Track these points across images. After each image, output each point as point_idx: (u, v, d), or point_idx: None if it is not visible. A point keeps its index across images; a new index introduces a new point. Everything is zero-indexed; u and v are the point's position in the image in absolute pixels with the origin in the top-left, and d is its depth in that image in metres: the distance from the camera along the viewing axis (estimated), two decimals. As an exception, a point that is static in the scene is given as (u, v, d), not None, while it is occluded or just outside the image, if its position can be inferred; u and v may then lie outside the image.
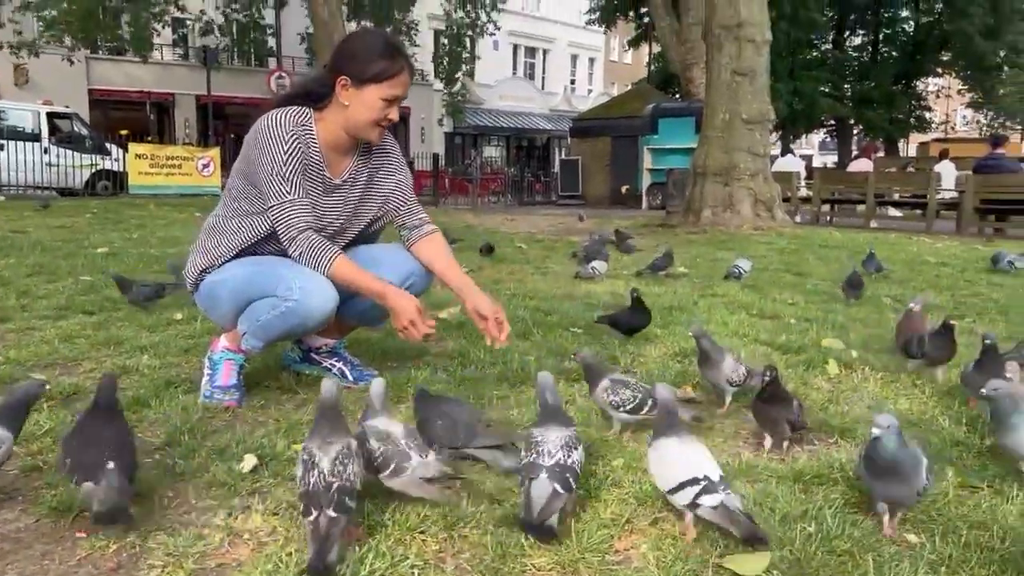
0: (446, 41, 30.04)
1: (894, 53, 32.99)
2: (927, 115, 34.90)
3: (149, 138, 22.02)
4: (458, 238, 7.08)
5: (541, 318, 3.95)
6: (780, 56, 23.94)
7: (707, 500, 1.60)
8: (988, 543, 1.66)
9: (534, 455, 1.72)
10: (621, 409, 2.23)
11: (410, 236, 2.76)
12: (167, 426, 2.29)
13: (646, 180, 19.61)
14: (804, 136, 41.86)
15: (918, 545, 1.66)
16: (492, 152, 38.65)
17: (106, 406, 1.80)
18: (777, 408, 2.17)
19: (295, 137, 2.46)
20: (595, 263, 5.39)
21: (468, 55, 30.39)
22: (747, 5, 10.13)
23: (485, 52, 34.38)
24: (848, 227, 11.29)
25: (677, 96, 23.67)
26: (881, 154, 25.35)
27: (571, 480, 1.69)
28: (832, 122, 34.25)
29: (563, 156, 27.31)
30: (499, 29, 29.73)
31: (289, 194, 2.44)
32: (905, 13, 33.03)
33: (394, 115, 2.54)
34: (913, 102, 33.43)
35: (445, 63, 29.60)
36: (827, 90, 30.51)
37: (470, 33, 28.72)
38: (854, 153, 23.15)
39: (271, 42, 27.79)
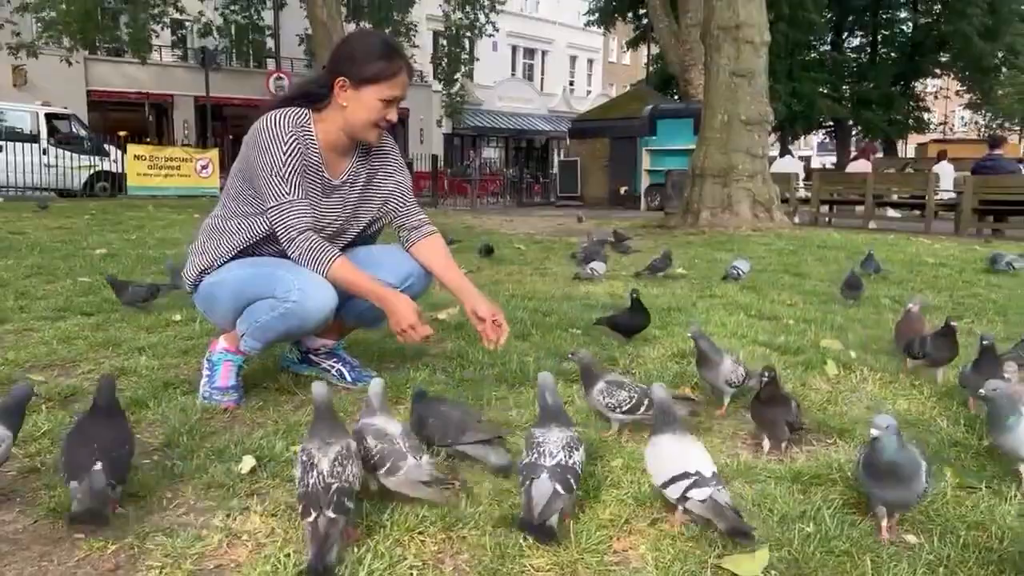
0: (445, 42, 30.02)
1: (892, 54, 33.02)
2: (925, 116, 34.92)
3: (148, 139, 22.01)
4: (456, 239, 7.09)
5: (540, 319, 3.96)
6: (779, 57, 23.93)
7: (696, 494, 1.63)
8: (986, 543, 1.66)
9: (535, 455, 1.73)
10: (618, 411, 2.23)
11: (409, 237, 2.76)
12: (165, 427, 2.29)
13: (644, 181, 19.62)
14: (803, 137, 41.88)
15: (916, 545, 1.66)
16: (491, 153, 38.67)
17: (106, 407, 1.80)
18: (775, 410, 2.17)
19: (294, 138, 2.46)
20: (594, 264, 5.39)
21: (467, 56, 30.35)
22: (746, 6, 10.14)
23: (484, 53, 34.37)
24: (847, 228, 11.29)
25: (676, 97, 23.69)
26: (880, 155, 25.38)
27: (572, 481, 1.69)
28: (831, 123, 34.27)
29: (562, 157, 27.30)
30: (498, 30, 29.72)
31: (288, 195, 2.44)
32: (903, 14, 33.07)
33: (392, 116, 2.54)
34: (911, 103, 33.46)
35: (444, 64, 29.58)
36: (826, 91, 30.54)
37: (469, 34, 28.69)
38: (853, 154, 23.13)
39: (270, 43, 27.75)
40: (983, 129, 41.06)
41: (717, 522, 1.61)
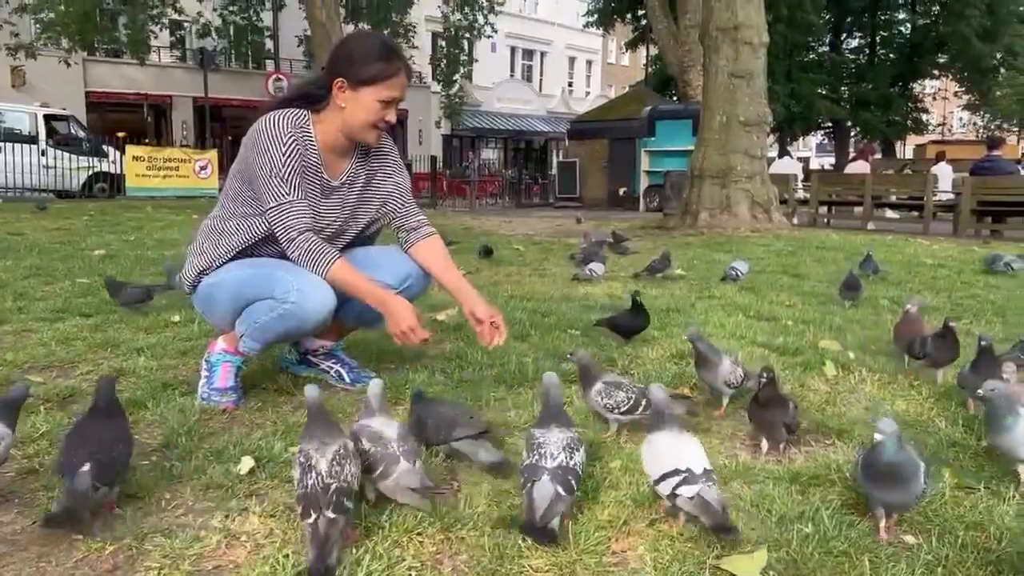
0: (444, 43, 30.06)
1: (891, 55, 33.05)
2: (924, 117, 34.96)
3: (146, 140, 22.00)
4: (454, 240, 7.09)
5: (538, 320, 3.96)
6: (777, 58, 23.95)
7: (684, 491, 1.65)
8: (984, 544, 1.66)
9: (536, 456, 1.73)
10: (616, 411, 2.23)
11: (408, 238, 2.76)
12: (164, 428, 2.29)
13: (643, 182, 19.63)
14: (801, 138, 41.90)
15: (915, 546, 1.66)
16: (490, 154, 38.68)
17: (104, 407, 1.80)
18: (773, 411, 2.17)
19: (293, 139, 2.46)
20: (592, 265, 5.39)
21: (466, 57, 30.37)
22: (744, 8, 10.15)
23: (483, 54, 34.39)
24: (845, 229, 11.30)
25: (674, 98, 23.70)
26: (878, 156, 25.43)
27: (573, 482, 1.69)
28: (829, 124, 34.32)
29: (561, 158, 27.33)
30: (496, 32, 29.73)
31: (288, 195, 2.43)
32: (902, 15, 33.10)
33: (391, 117, 2.54)
34: (910, 104, 33.49)
35: (443, 65, 29.60)
36: (824, 92, 30.57)
37: (468, 35, 28.71)
38: (851, 155, 23.15)
39: (269, 44, 27.77)
40: (981, 130, 41.10)
41: (703, 519, 1.63)
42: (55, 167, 16.07)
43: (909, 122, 33.36)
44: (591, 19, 33.92)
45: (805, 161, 27.74)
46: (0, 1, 20.28)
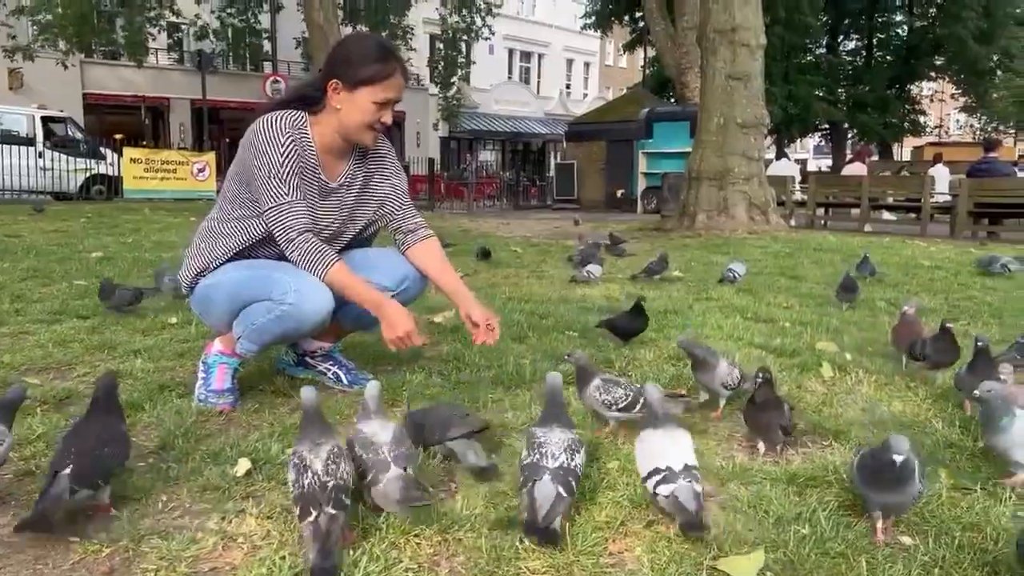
0: (441, 46, 30.08)
1: (888, 57, 33.13)
2: (921, 119, 35.03)
3: (144, 142, 21.98)
4: (451, 242, 7.09)
5: (536, 321, 3.96)
6: (775, 60, 24.01)
7: (662, 489, 1.68)
8: (981, 545, 1.66)
9: (537, 456, 1.73)
10: (614, 408, 2.24)
11: (405, 240, 2.76)
12: (161, 430, 2.29)
13: (641, 184, 19.66)
14: (798, 140, 41.94)
15: (912, 547, 1.66)
16: (487, 156, 38.66)
17: (100, 407, 1.81)
18: (769, 413, 2.17)
19: (291, 140, 2.46)
20: (590, 267, 5.39)
21: (463, 59, 30.42)
22: (742, 9, 10.16)
23: (480, 56, 34.41)
24: (842, 231, 11.31)
25: (672, 100, 23.73)
26: (875, 158, 25.50)
27: (573, 483, 1.70)
28: (826, 126, 34.37)
29: (558, 160, 27.34)
30: (494, 34, 29.75)
31: (287, 196, 2.43)
32: (899, 18, 33.18)
33: (387, 118, 2.54)
34: (907, 106, 33.56)
35: (440, 67, 29.62)
36: (821, 94, 30.62)
37: (465, 37, 28.73)
38: (848, 157, 23.18)
39: (266, 46, 27.75)
40: (978, 132, 41.21)
41: (677, 516, 1.66)
42: (52, 169, 16.04)
43: (906, 124, 33.43)
44: (589, 21, 33.99)
45: (802, 163, 27.74)
46: (-2, 3, 20.29)
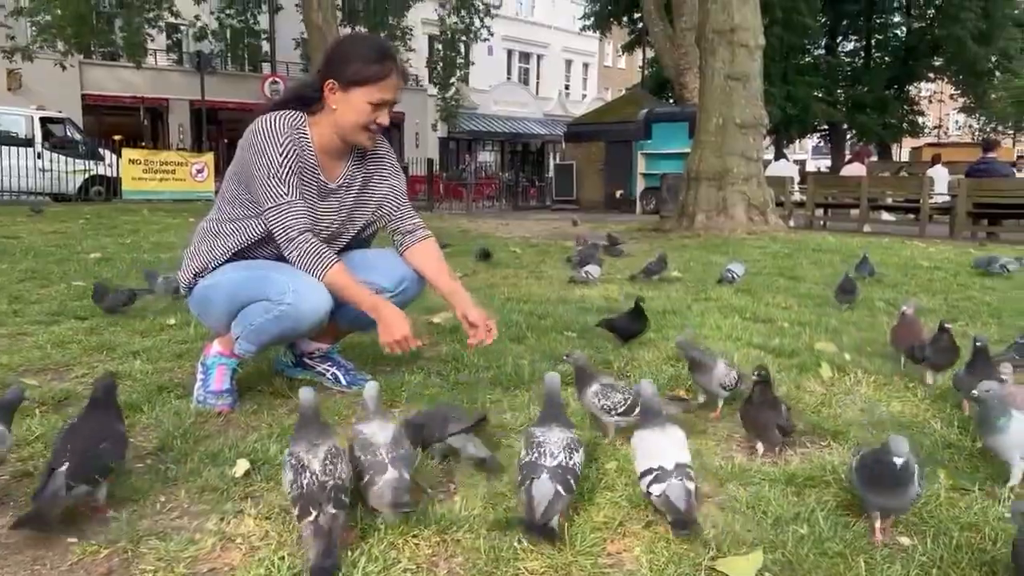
0: (440, 46, 30.09)
1: (886, 58, 33.13)
2: (920, 120, 35.03)
3: (143, 143, 22.00)
4: (450, 243, 7.09)
5: (535, 322, 3.96)
6: (773, 61, 23.99)
7: (654, 488, 1.70)
8: (979, 545, 1.67)
9: (535, 454, 1.73)
10: (612, 413, 2.24)
11: (403, 241, 2.76)
12: (159, 431, 2.28)
13: (640, 185, 19.66)
14: (797, 141, 41.96)
15: (910, 547, 1.66)
16: (486, 157, 38.68)
17: (97, 405, 1.82)
18: (767, 414, 2.17)
19: (290, 140, 2.46)
20: (589, 267, 5.39)
21: (462, 60, 30.44)
22: (740, 10, 10.17)
23: (479, 57, 34.43)
24: (841, 231, 11.32)
25: (671, 101, 23.73)
26: (874, 158, 25.50)
27: (572, 482, 1.70)
28: (825, 127, 34.37)
29: (557, 161, 27.34)
30: (493, 35, 29.77)
31: (286, 196, 2.43)
32: (897, 18, 33.19)
33: (383, 119, 2.53)
34: (906, 107, 33.57)
35: (439, 68, 29.63)
36: (820, 95, 30.63)
37: (464, 38, 28.76)
38: (847, 157, 23.20)
39: (265, 47, 27.74)
40: (977, 133, 41.23)
41: (667, 515, 1.67)
42: (51, 170, 16.03)
43: (905, 125, 33.44)
44: (588, 22, 33.97)
45: (801, 163, 27.77)
46: (-4, 4, 20.29)
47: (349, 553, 1.57)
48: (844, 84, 33.15)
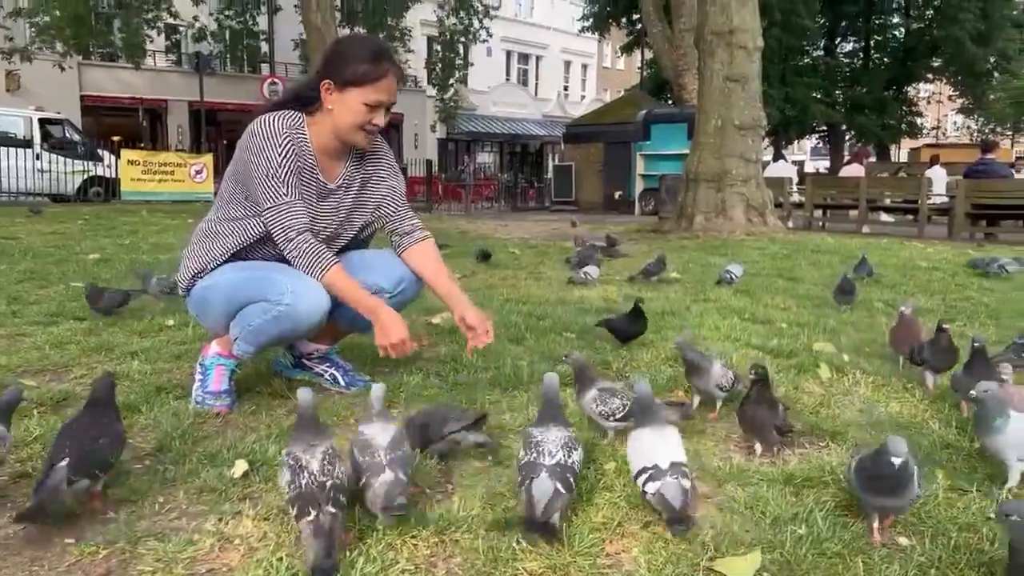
0: (439, 48, 30.10)
1: (885, 59, 33.13)
2: (918, 121, 35.04)
3: (141, 144, 21.98)
4: (447, 244, 7.09)
5: (534, 323, 3.96)
6: (772, 62, 24.01)
7: (649, 487, 1.71)
8: (977, 545, 1.67)
9: (534, 454, 1.73)
10: (611, 419, 2.24)
11: (401, 242, 2.75)
12: (158, 432, 2.28)
13: (639, 186, 19.66)
14: (796, 142, 41.99)
15: (908, 547, 1.67)
16: (485, 158, 38.70)
17: (95, 403, 1.82)
18: (764, 414, 2.17)
19: (288, 140, 2.46)
20: (588, 268, 5.40)
21: (461, 61, 30.45)
22: (739, 12, 10.17)
23: (478, 58, 34.47)
24: (840, 232, 11.32)
25: (670, 102, 23.73)
26: (873, 159, 25.49)
27: (571, 480, 1.71)
28: (824, 128, 34.38)
29: (556, 162, 27.34)
30: (492, 36, 29.79)
31: (285, 196, 2.43)
32: (896, 19, 33.19)
33: (379, 120, 2.53)
34: (904, 108, 33.57)
35: (438, 69, 29.65)
36: (819, 96, 30.64)
37: (463, 39, 28.77)
38: (846, 158, 23.23)
39: (264, 48, 27.78)
40: (975, 134, 41.28)
41: (663, 512, 1.68)
42: (50, 171, 16.03)
43: (903, 126, 33.44)
44: (586, 23, 33.97)
45: (800, 165, 27.81)
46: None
47: (347, 554, 1.57)
48: (843, 85, 33.16)
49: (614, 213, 18.71)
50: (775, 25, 24.38)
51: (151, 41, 23.18)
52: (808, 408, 2.64)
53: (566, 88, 44.22)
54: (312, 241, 2.45)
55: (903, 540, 1.70)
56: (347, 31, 22.78)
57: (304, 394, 1.75)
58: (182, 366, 3.02)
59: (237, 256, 2.56)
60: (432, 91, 30.72)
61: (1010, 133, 42.59)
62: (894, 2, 32.53)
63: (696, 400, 2.57)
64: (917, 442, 2.27)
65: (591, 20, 33.45)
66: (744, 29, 10.18)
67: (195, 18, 23.32)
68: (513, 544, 1.62)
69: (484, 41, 29.32)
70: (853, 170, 14.91)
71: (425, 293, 2.87)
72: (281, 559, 1.55)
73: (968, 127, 43.83)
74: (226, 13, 25.38)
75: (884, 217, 13.80)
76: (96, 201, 16.04)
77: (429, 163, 22.81)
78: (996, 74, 32.62)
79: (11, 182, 15.34)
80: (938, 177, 13.56)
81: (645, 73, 32.23)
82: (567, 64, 44.47)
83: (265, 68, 27.61)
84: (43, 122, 17.21)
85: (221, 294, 2.50)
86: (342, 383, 2.80)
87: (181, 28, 25.80)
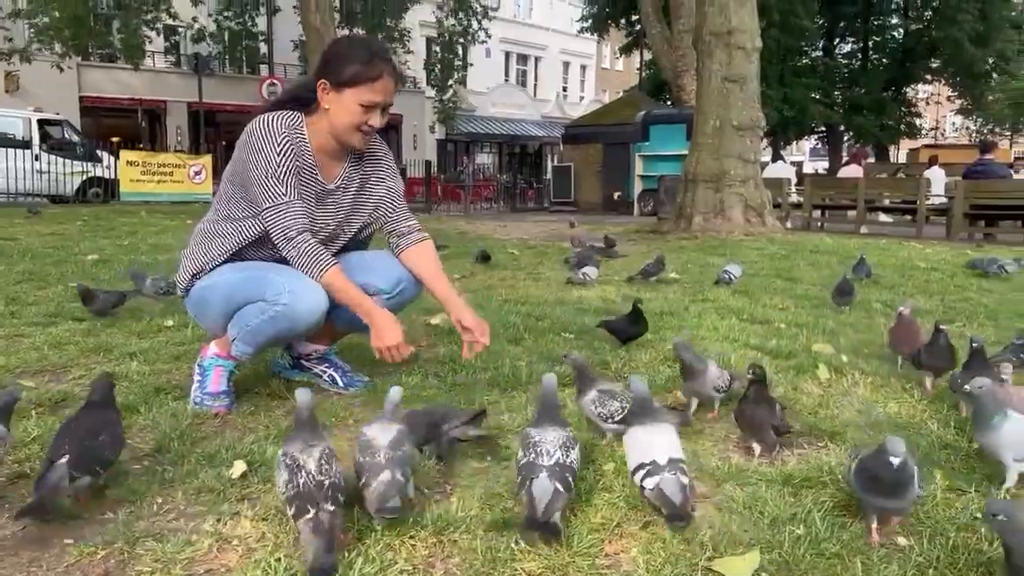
0: (438, 48, 30.10)
1: (884, 60, 33.16)
2: (917, 121, 35.06)
3: (140, 145, 21.98)
4: (445, 244, 7.09)
5: (533, 323, 3.96)
6: (770, 63, 24.02)
7: (647, 483, 1.71)
8: (976, 545, 1.67)
9: (532, 455, 1.73)
10: (609, 421, 2.24)
11: (399, 243, 2.75)
12: (156, 432, 2.28)
13: (637, 186, 19.66)
14: (795, 142, 42.00)
15: (906, 547, 1.67)
16: (484, 159, 38.72)
17: (94, 402, 1.83)
18: (761, 414, 2.17)
19: (287, 139, 2.46)
20: (586, 269, 5.40)
21: (460, 62, 30.45)
22: (737, 12, 10.18)
23: (477, 59, 34.48)
24: (839, 233, 11.33)
25: (668, 103, 23.74)
26: (871, 160, 25.52)
27: (570, 479, 1.71)
28: (823, 129, 34.39)
29: (555, 163, 27.33)
30: (491, 37, 29.78)
31: (284, 196, 2.43)
32: (895, 20, 33.22)
33: (375, 121, 2.52)
34: (903, 109, 33.57)
35: (437, 70, 29.65)
36: (817, 97, 30.64)
37: (462, 40, 28.77)
38: (844, 159, 23.24)
39: (263, 49, 27.78)
40: (974, 134, 41.29)
41: (662, 508, 1.68)
42: (49, 172, 16.03)
43: (902, 126, 33.46)
44: (585, 24, 33.98)
45: (798, 165, 27.82)
46: (-6, 7, 20.28)
47: (346, 554, 1.57)
48: (841, 86, 33.17)
49: (613, 214, 18.71)
50: (773, 26, 24.40)
51: (150, 42, 23.17)
52: (807, 409, 2.64)
53: (565, 89, 44.23)
54: (311, 241, 2.45)
55: (901, 540, 1.70)
56: (346, 32, 22.78)
57: (303, 395, 1.75)
58: (181, 367, 3.02)
59: (236, 256, 2.56)
60: (431, 92, 30.72)
61: (1008, 134, 42.59)
62: (893, 3, 32.56)
63: (694, 403, 2.57)
64: (915, 442, 2.27)
65: (590, 21, 33.45)
66: (742, 30, 10.19)
67: (194, 19, 23.33)
68: (511, 544, 1.62)
69: (483, 42, 29.31)
70: (852, 171, 14.92)
71: (424, 294, 2.87)
72: (279, 560, 1.55)
73: (967, 128, 43.85)
74: (225, 14, 25.38)
75: (883, 218, 13.81)
76: (95, 202, 16.02)
77: (428, 164, 22.80)
78: (995, 75, 32.64)
79: (10, 183, 15.34)
80: (937, 178, 13.57)
81: (644, 74, 32.23)
82: (566, 65, 44.49)
83: (264, 69, 27.63)
84: (42, 123, 17.20)
85: (219, 294, 2.50)
86: (340, 384, 2.80)
87: (180, 29, 25.81)
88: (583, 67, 45.70)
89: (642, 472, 1.73)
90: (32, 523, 1.71)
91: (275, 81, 23.71)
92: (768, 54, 16.73)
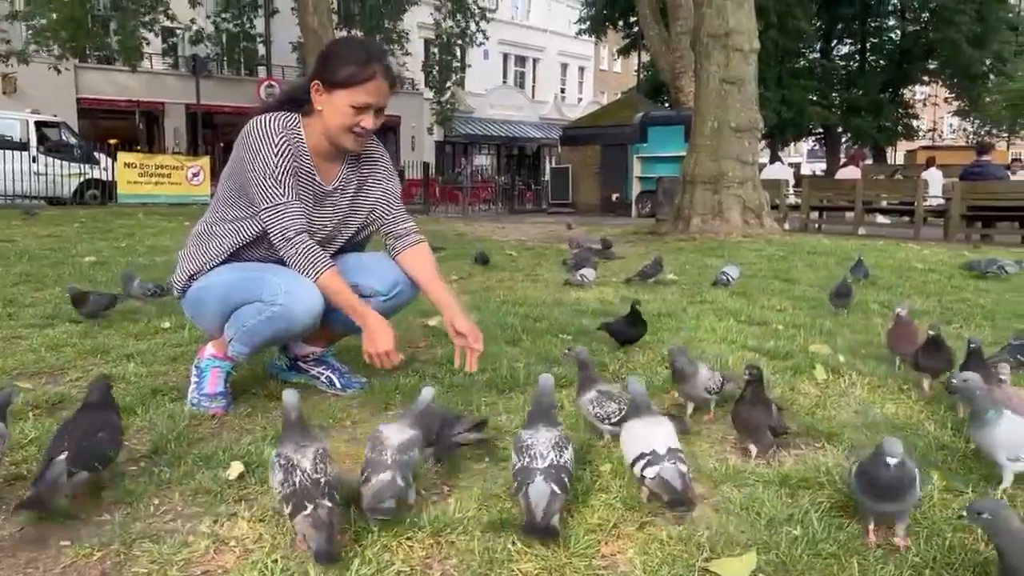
0: (436, 50, 30.12)
1: (881, 62, 33.23)
2: (914, 123, 35.13)
3: (138, 147, 21.95)
4: (444, 246, 7.09)
5: (530, 325, 3.96)
6: (768, 65, 24.07)
7: (648, 472, 1.74)
8: (972, 546, 1.67)
9: (526, 459, 1.73)
10: (607, 422, 2.24)
11: (395, 245, 2.75)
12: (153, 434, 2.28)
13: (636, 188, 19.67)
14: (792, 144, 42.06)
15: (903, 548, 1.66)
16: (482, 160, 38.73)
17: (94, 402, 1.84)
18: (758, 415, 2.17)
19: (284, 140, 2.45)
20: (584, 270, 5.40)
21: (458, 64, 30.45)
22: (735, 14, 10.19)
23: (475, 61, 34.48)
24: (836, 234, 11.34)
25: (666, 104, 23.77)
26: (869, 161, 25.52)
27: (566, 480, 1.71)
28: (820, 130, 34.45)
29: (553, 164, 27.36)
30: (489, 38, 29.81)
31: (283, 196, 2.43)
32: (892, 22, 33.29)
33: (367, 123, 2.51)
34: (900, 110, 33.66)
35: (435, 72, 29.66)
36: (815, 98, 30.71)
37: (460, 42, 28.79)
38: (842, 161, 23.25)
39: (261, 51, 27.78)
40: (971, 136, 41.36)
41: (663, 496, 1.71)
42: (46, 174, 16.01)
43: (900, 128, 33.54)
44: (583, 26, 34.02)
45: (796, 167, 27.86)
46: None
47: (343, 555, 1.57)
48: (839, 87, 33.23)
49: (611, 215, 18.73)
50: (771, 27, 24.45)
51: (148, 44, 23.17)
52: (804, 409, 2.64)
53: (563, 90, 44.27)
54: (309, 243, 2.44)
55: (898, 541, 1.70)
56: (344, 33, 22.79)
57: (289, 396, 1.75)
58: (178, 368, 3.02)
59: (233, 257, 2.55)
60: (429, 93, 30.73)
61: (1006, 135, 42.67)
62: (890, 5, 32.61)
63: (690, 408, 2.57)
64: (913, 443, 2.27)
65: (588, 23, 33.51)
66: (740, 31, 10.21)
67: (192, 21, 23.31)
68: (509, 545, 1.62)
69: (481, 44, 29.33)
70: (849, 172, 14.93)
71: (420, 296, 2.87)
72: (276, 561, 1.55)
73: (964, 129, 43.94)
74: (223, 16, 25.37)
75: (880, 219, 13.82)
76: (92, 204, 16.02)
77: (426, 165, 22.81)
78: (992, 76, 32.72)
79: (7, 185, 15.32)
80: (934, 179, 13.59)
81: (642, 75, 32.26)
82: (564, 67, 44.52)
83: (262, 71, 27.64)
84: (39, 125, 17.19)
85: (216, 295, 2.50)
86: (338, 385, 2.80)
87: (178, 31, 25.82)
88: (581, 69, 45.73)
89: (642, 462, 1.74)
90: (29, 522, 1.71)
91: (273, 83, 23.68)
92: (766, 56, 16.78)
